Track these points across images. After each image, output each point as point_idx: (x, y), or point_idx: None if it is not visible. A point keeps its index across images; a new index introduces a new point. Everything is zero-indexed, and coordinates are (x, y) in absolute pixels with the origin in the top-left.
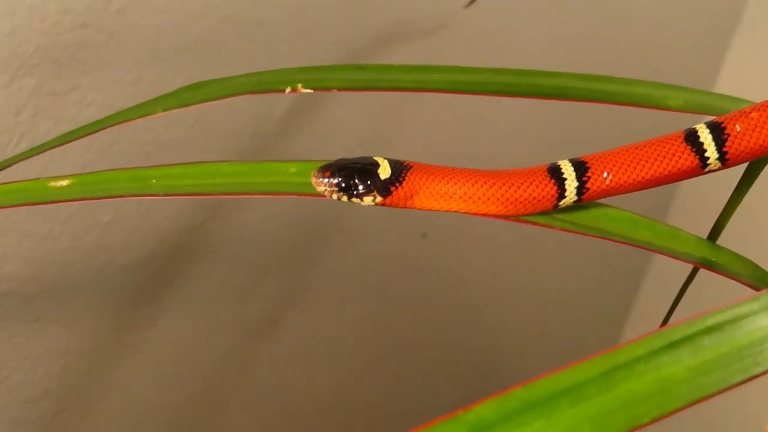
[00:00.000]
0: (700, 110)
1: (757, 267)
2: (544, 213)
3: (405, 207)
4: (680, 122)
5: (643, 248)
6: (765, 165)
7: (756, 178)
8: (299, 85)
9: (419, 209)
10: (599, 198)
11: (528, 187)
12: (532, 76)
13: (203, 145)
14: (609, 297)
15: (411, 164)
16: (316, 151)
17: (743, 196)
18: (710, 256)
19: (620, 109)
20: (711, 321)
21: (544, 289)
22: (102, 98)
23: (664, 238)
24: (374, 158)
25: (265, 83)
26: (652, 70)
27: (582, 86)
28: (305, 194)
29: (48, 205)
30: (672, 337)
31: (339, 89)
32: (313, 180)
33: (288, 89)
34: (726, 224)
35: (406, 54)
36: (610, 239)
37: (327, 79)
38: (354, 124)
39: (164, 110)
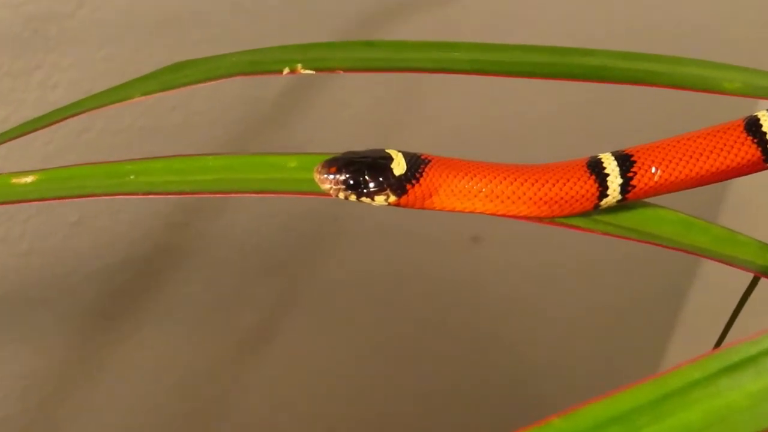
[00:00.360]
0: (760, 94)
1: None
2: (583, 214)
3: (423, 208)
4: (738, 108)
5: (698, 255)
6: None
7: None
8: (299, 66)
9: (439, 210)
10: (646, 197)
11: (565, 184)
12: (568, 54)
13: (186, 133)
14: (651, 311)
15: (430, 158)
16: (317, 140)
17: None
18: None
19: (668, 93)
20: None
21: (574, 302)
22: (69, 79)
23: (722, 244)
24: (387, 151)
25: (260, 63)
26: (705, 47)
27: (625, 66)
28: (307, 193)
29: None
30: (731, 359)
31: (345, 70)
32: (317, 176)
33: (286, 70)
34: None
35: (421, 27)
36: (659, 244)
37: (331, 58)
38: (361, 109)
39: (143, 95)
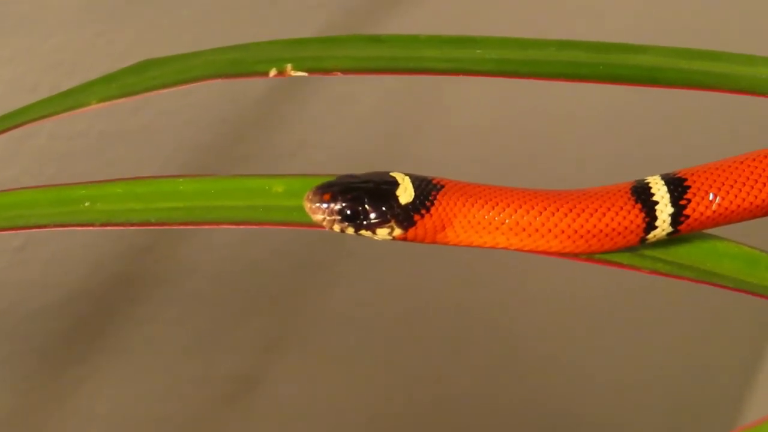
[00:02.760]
0: None
1: None
2: (628, 249)
3: (434, 242)
4: None
5: (764, 297)
6: None
7: None
8: (288, 66)
9: (454, 245)
10: (703, 228)
11: (605, 214)
12: (612, 51)
13: (153, 139)
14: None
15: (443, 182)
16: (311, 143)
17: None
18: None
19: (734, 99)
20: None
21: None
22: (8, 75)
23: None
24: (392, 174)
25: (241, 63)
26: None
27: (684, 66)
28: (297, 224)
29: None
30: None
31: (344, 72)
32: (307, 205)
33: (273, 72)
34: None
35: (434, 20)
36: (718, 285)
37: (327, 57)
38: (366, 106)
39: (100, 101)
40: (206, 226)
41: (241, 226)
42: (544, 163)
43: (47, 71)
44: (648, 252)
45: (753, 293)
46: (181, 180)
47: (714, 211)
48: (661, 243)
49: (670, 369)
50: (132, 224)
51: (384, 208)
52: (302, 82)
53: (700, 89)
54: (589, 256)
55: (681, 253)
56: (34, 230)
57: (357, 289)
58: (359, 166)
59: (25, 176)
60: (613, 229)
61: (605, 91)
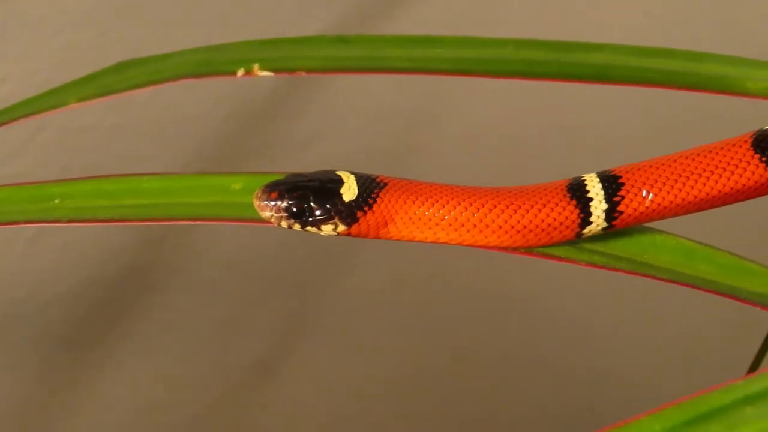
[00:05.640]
0: None
1: None
2: (567, 243)
3: (377, 237)
4: (766, 113)
5: (701, 289)
6: None
7: None
8: (255, 66)
9: (397, 240)
10: (638, 224)
11: (540, 210)
12: (568, 50)
13: (163, 132)
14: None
15: (386, 180)
16: (324, 136)
17: None
18: None
19: (682, 96)
20: None
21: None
22: (20, 71)
23: (729, 274)
24: (338, 173)
25: (211, 63)
26: (730, 41)
27: (635, 64)
28: (250, 220)
29: None
30: None
31: (309, 71)
32: (256, 203)
33: (240, 72)
34: None
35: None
36: (653, 277)
37: (294, 57)
38: (355, 110)
39: (78, 101)
40: (166, 222)
41: (198, 222)
42: (498, 165)
43: (57, 68)
44: (588, 245)
45: (686, 284)
46: (145, 178)
47: (647, 208)
48: (602, 236)
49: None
50: (97, 220)
51: (328, 206)
52: (313, 76)
53: (648, 86)
54: (528, 249)
55: (620, 246)
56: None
57: (374, 276)
58: (368, 160)
59: (40, 168)
60: (549, 225)
61: (557, 90)
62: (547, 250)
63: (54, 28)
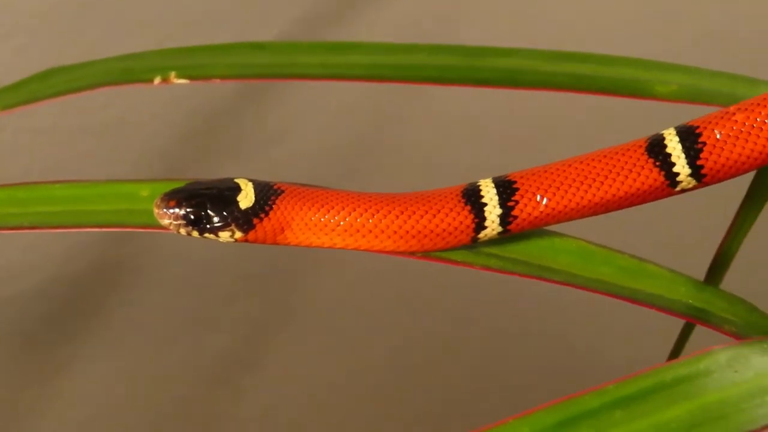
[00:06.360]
0: (700, 99)
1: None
2: (465, 247)
3: (275, 243)
4: (675, 116)
5: (598, 292)
6: None
7: None
8: (172, 74)
9: (294, 246)
10: (533, 228)
11: (435, 215)
12: (479, 55)
13: (123, 133)
14: None
15: (283, 187)
16: (292, 133)
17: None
18: (696, 302)
19: (595, 101)
20: None
21: None
22: None
23: (626, 276)
24: (236, 180)
25: (131, 71)
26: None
27: (542, 68)
28: (153, 227)
29: None
30: None
31: (223, 78)
32: (156, 210)
33: (157, 79)
34: (734, 253)
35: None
36: (547, 280)
37: (210, 65)
38: (319, 109)
39: (3, 109)
40: (75, 229)
41: (104, 229)
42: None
43: (8, 72)
44: (486, 249)
45: (581, 287)
46: (57, 186)
47: (542, 212)
48: (500, 240)
49: None
50: (8, 228)
51: (225, 213)
52: (262, 91)
53: (558, 90)
54: (424, 254)
55: (518, 249)
56: None
57: (352, 267)
58: (330, 163)
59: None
60: (444, 230)
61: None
62: (444, 254)
63: (3, 32)
